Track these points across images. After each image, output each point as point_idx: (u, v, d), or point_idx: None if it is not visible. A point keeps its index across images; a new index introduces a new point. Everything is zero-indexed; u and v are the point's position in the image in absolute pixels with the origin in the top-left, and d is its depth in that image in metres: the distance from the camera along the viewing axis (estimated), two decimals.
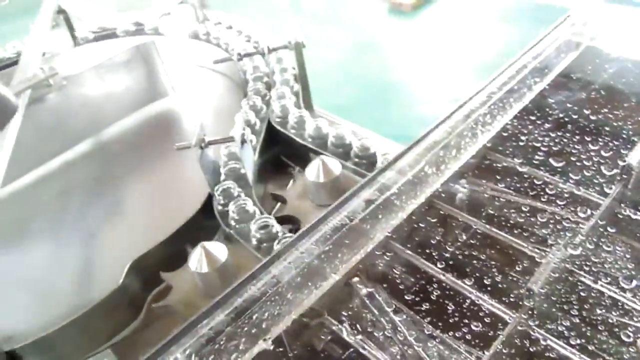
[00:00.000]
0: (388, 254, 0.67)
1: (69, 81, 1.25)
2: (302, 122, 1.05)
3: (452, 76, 3.36)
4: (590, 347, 0.59)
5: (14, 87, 1.16)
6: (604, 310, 0.60)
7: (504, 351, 0.56)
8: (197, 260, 0.81)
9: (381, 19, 4.19)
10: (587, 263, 0.62)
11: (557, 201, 0.70)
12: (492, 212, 0.72)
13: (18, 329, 0.89)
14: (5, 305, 0.96)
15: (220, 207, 0.92)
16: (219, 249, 0.82)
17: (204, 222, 0.96)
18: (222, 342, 0.52)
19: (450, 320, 0.64)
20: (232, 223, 0.87)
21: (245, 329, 0.53)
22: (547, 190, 0.71)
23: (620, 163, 0.68)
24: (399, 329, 0.61)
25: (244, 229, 0.86)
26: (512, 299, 0.63)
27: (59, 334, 0.86)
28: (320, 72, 3.44)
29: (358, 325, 0.61)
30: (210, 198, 0.97)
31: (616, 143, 0.76)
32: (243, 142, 0.96)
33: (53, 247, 1.07)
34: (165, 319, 0.89)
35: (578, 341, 0.59)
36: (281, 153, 1.12)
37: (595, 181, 0.71)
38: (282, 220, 0.91)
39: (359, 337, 0.60)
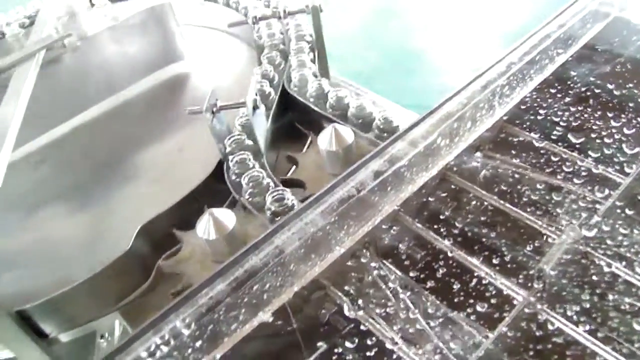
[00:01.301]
0: (397, 227, 0.65)
1: (83, 43, 1.24)
2: (319, 90, 1.03)
3: (476, 45, 3.28)
4: (602, 331, 0.57)
5: (27, 48, 1.15)
6: (617, 295, 0.58)
7: (510, 333, 0.54)
8: (205, 226, 0.80)
9: None
10: (602, 245, 0.60)
11: (575, 179, 0.67)
12: (506, 187, 0.70)
13: (28, 289, 0.90)
14: (16, 266, 0.96)
15: (234, 178, 0.91)
16: (227, 216, 0.82)
17: (215, 188, 0.95)
18: (221, 312, 0.52)
19: (459, 298, 0.63)
20: (247, 196, 0.86)
21: (246, 299, 0.52)
22: (564, 167, 0.68)
23: None
24: (405, 304, 0.60)
25: (257, 200, 0.85)
26: (523, 279, 0.61)
27: (68, 295, 0.86)
28: (340, 38, 3.40)
29: (363, 299, 0.60)
30: (221, 164, 0.96)
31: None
32: (255, 107, 0.95)
33: (66, 209, 1.07)
34: (174, 283, 0.89)
35: (588, 326, 0.57)
36: (295, 120, 1.10)
37: (616, 160, 0.68)
38: (290, 183, 0.90)
39: (363, 311, 0.59)
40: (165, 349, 0.50)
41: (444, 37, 3.44)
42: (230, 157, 0.92)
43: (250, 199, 0.86)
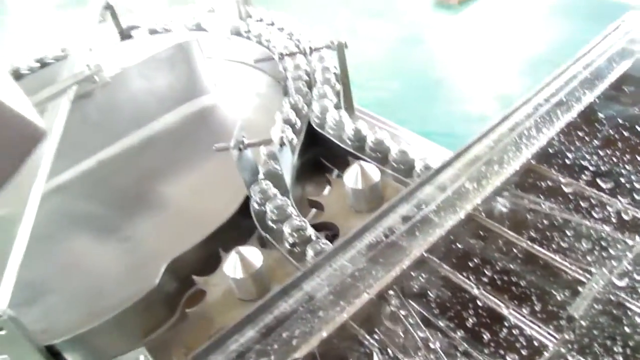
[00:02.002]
0: (425, 270, 0.65)
1: (113, 78, 1.27)
2: (341, 124, 1.04)
3: (498, 73, 3.28)
4: None
5: (60, 83, 1.18)
6: None
7: None
8: (233, 265, 0.81)
9: (427, 13, 4.12)
10: (633, 293, 0.59)
11: (604, 223, 0.66)
12: (534, 230, 0.69)
13: (56, 323, 0.91)
14: (44, 300, 0.98)
15: (256, 207, 0.92)
16: (254, 254, 0.82)
17: (241, 224, 0.96)
18: (251, 359, 0.52)
19: (487, 341, 0.62)
20: (269, 223, 0.87)
21: (276, 346, 0.52)
22: (594, 211, 0.68)
23: None
24: (433, 347, 0.60)
25: (278, 232, 0.86)
26: (551, 326, 0.60)
27: (97, 330, 0.87)
28: (365, 65, 3.43)
29: (392, 346, 0.59)
30: (247, 200, 0.97)
31: None
32: (282, 144, 0.96)
33: (93, 242, 1.09)
34: (199, 320, 0.90)
35: None
36: (320, 155, 1.11)
37: None
38: (319, 227, 0.90)
39: (393, 355, 0.59)
40: None
41: (467, 64, 3.45)
42: (254, 185, 0.93)
43: (273, 227, 0.86)
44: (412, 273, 0.61)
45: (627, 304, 0.60)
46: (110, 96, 1.29)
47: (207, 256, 0.93)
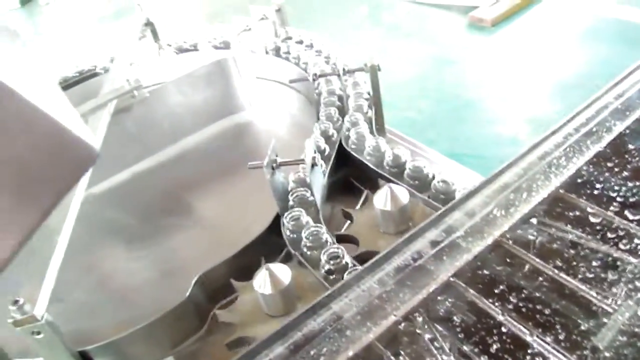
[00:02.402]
0: (451, 294, 0.66)
1: (151, 93, 1.31)
2: (376, 148, 1.05)
3: (530, 95, 3.27)
4: None
5: (101, 97, 1.22)
6: None
7: None
8: (262, 281, 0.83)
9: (460, 34, 4.13)
10: None
11: (631, 255, 0.67)
12: (561, 259, 0.70)
13: (91, 331, 0.94)
14: (79, 308, 1.01)
15: (289, 235, 0.94)
16: (283, 271, 0.84)
17: (271, 240, 0.98)
18: None
19: None
20: (305, 250, 0.89)
21: None
22: (621, 242, 0.68)
23: None
24: None
25: (313, 257, 0.88)
26: (576, 353, 0.61)
27: (127, 339, 0.90)
28: (396, 85, 3.46)
29: None
30: (278, 217, 0.99)
31: None
32: (313, 165, 0.98)
33: (126, 253, 1.12)
34: (228, 332, 0.92)
35: None
36: (351, 176, 1.13)
37: None
38: (344, 239, 0.92)
39: None
40: None
41: (499, 86, 3.44)
42: (286, 213, 0.95)
43: (308, 253, 0.88)
44: (438, 297, 0.62)
45: None
46: (148, 111, 1.33)
47: (237, 271, 0.96)
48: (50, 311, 0.78)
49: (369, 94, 1.23)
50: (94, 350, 0.90)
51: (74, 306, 1.02)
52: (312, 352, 0.55)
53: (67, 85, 1.61)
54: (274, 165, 0.97)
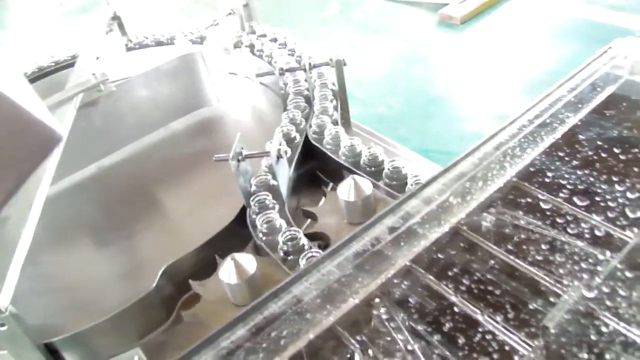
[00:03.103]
0: (409, 279, 0.68)
1: (118, 87, 1.31)
2: (337, 139, 1.08)
3: (498, 92, 3.32)
4: None
5: (67, 91, 1.22)
6: (619, 354, 0.60)
7: None
8: (227, 271, 0.84)
9: (430, 31, 4.17)
10: (603, 305, 0.63)
11: (579, 240, 0.70)
12: (514, 244, 0.73)
13: (54, 322, 0.94)
14: (45, 301, 1.01)
15: (253, 217, 0.95)
16: (248, 261, 0.86)
17: (238, 232, 1.00)
18: (241, 356, 0.55)
19: (466, 348, 0.66)
20: (260, 235, 0.91)
21: (264, 345, 0.56)
22: (569, 227, 0.71)
23: None
24: (412, 349, 0.63)
25: (273, 241, 0.90)
26: (526, 335, 0.64)
27: (94, 330, 0.90)
28: (366, 82, 3.48)
29: (374, 348, 0.63)
30: (244, 209, 1.00)
31: None
32: (279, 156, 0.99)
33: (92, 246, 1.12)
34: (193, 323, 0.93)
35: None
36: (317, 168, 1.14)
37: (619, 223, 0.71)
38: (312, 237, 0.94)
39: (373, 355, 0.62)
40: None
41: (467, 83, 3.49)
42: (252, 199, 0.97)
43: (264, 239, 0.90)
44: (395, 280, 0.64)
45: (598, 316, 0.63)
46: (115, 105, 1.33)
47: (204, 262, 0.97)
48: (14, 304, 0.78)
49: (334, 86, 1.25)
50: (60, 343, 0.90)
51: (39, 300, 1.02)
52: (272, 334, 0.57)
53: (41, 74, 1.60)
54: (240, 157, 0.98)
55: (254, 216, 0.95)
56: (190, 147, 1.34)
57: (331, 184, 1.12)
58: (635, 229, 0.68)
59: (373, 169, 1.00)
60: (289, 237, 0.87)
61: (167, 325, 0.96)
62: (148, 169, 1.30)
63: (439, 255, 0.70)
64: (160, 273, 0.93)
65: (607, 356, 0.60)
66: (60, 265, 1.09)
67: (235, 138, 0.98)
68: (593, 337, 0.62)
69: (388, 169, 0.97)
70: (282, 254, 0.87)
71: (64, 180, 1.28)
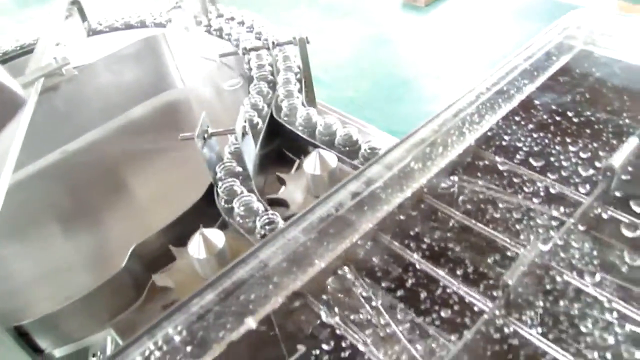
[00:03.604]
0: (371, 243, 0.70)
1: (80, 71, 1.30)
2: (307, 119, 1.09)
3: (462, 72, 3.37)
4: (554, 334, 0.63)
5: (27, 76, 1.20)
6: (575, 304, 0.63)
7: (475, 340, 0.59)
8: (196, 246, 0.85)
9: (395, 14, 4.20)
10: (562, 260, 0.66)
11: (536, 199, 0.73)
12: (474, 207, 0.75)
13: (24, 305, 0.94)
14: (14, 285, 1.00)
15: (223, 204, 0.96)
16: (217, 236, 0.87)
17: (206, 210, 1.00)
18: (210, 320, 0.56)
19: (429, 307, 0.68)
20: (238, 219, 0.91)
21: (233, 308, 0.57)
22: (527, 188, 0.74)
23: (602, 165, 0.71)
24: (375, 305, 0.65)
25: (247, 222, 0.90)
26: (488, 290, 0.66)
27: (64, 312, 0.90)
28: (333, 66, 3.49)
29: (339, 308, 0.65)
30: (211, 187, 1.01)
31: (598, 146, 0.79)
32: (244, 134, 1.00)
33: (61, 231, 1.11)
34: (166, 299, 0.94)
35: (549, 331, 0.62)
36: (284, 146, 1.16)
37: (572, 181, 0.74)
38: (275, 202, 0.95)
39: (339, 317, 0.64)
40: (158, 353, 0.54)
41: (433, 64, 3.53)
42: (220, 184, 0.97)
43: (241, 222, 0.91)
44: (359, 242, 0.66)
45: (555, 271, 0.66)
46: (77, 89, 1.31)
47: (173, 240, 0.98)
48: None
49: (298, 67, 1.26)
50: (30, 325, 0.90)
51: (7, 284, 1.01)
52: (241, 298, 0.58)
53: (6, 59, 1.58)
54: (205, 135, 0.99)
55: (224, 202, 0.96)
56: (156, 130, 1.34)
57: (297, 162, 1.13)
58: (587, 186, 0.71)
59: (347, 148, 1.02)
60: (267, 221, 0.88)
61: (138, 304, 0.97)
62: (113, 153, 1.30)
63: (401, 218, 0.72)
64: (129, 253, 0.94)
65: (563, 307, 0.63)
66: (26, 250, 1.08)
67: (201, 117, 0.98)
68: (549, 290, 0.65)
69: (365, 149, 0.98)
70: (260, 237, 0.88)
71: (29, 166, 1.27)
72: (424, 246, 0.71)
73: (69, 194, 1.21)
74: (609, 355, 0.63)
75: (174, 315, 0.56)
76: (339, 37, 3.90)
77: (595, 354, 0.62)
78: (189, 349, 0.54)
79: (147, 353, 0.54)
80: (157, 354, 0.54)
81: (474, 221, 0.71)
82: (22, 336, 0.90)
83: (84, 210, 1.14)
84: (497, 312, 0.63)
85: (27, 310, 0.91)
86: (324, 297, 0.64)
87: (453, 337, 0.64)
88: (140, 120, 1.37)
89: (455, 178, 0.77)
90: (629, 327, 0.62)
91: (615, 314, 0.64)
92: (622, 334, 0.63)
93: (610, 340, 0.63)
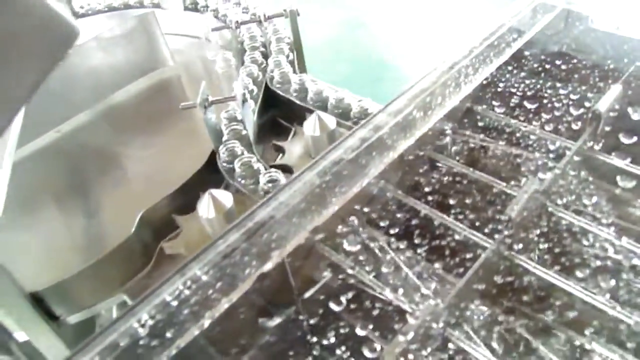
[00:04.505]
0: (380, 194, 0.75)
1: (73, 50, 1.30)
2: (301, 85, 1.12)
3: (439, 51, 3.41)
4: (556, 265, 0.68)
5: None
6: (570, 238, 0.69)
7: (480, 274, 0.64)
8: (206, 206, 0.88)
9: None
10: (555, 196, 0.71)
11: (532, 145, 0.78)
12: (474, 155, 0.80)
13: (41, 275, 0.96)
14: (29, 255, 1.02)
15: (225, 165, 0.99)
16: (225, 196, 0.90)
17: (209, 176, 1.03)
18: (236, 258, 0.60)
19: (435, 248, 0.72)
20: (239, 179, 0.94)
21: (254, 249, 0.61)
22: (523, 136, 0.79)
23: (589, 112, 0.76)
24: (387, 255, 0.69)
25: (249, 183, 0.94)
26: (490, 230, 0.71)
27: (77, 278, 0.93)
28: (311, 50, 3.49)
29: (352, 255, 0.69)
30: (213, 154, 1.04)
31: (584, 97, 0.84)
32: (244, 101, 1.03)
33: (69, 206, 1.12)
34: (175, 265, 0.97)
35: (550, 263, 0.67)
36: (278, 115, 1.18)
37: (565, 119, 0.79)
38: (279, 169, 0.99)
39: (351, 261, 0.68)
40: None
41: (409, 44, 3.57)
42: (222, 147, 1.00)
43: (242, 182, 0.94)
44: (363, 191, 0.70)
45: (552, 208, 0.71)
46: (71, 69, 1.32)
47: (179, 207, 1.01)
48: None
49: (289, 38, 1.28)
50: (45, 292, 0.92)
51: (23, 254, 1.03)
52: (264, 237, 0.61)
53: None
54: (206, 104, 1.01)
55: (225, 164, 0.98)
56: (150, 107, 1.35)
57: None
58: (579, 123, 0.76)
59: (340, 110, 1.05)
60: (270, 178, 0.91)
61: (148, 269, 0.99)
62: (110, 131, 1.31)
63: (406, 171, 0.77)
64: (138, 218, 0.96)
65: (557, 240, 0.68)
66: (38, 223, 1.10)
67: (200, 86, 1.00)
68: (544, 225, 0.70)
69: (356, 109, 1.02)
70: (263, 194, 0.91)
71: (26, 146, 1.27)
72: (426, 194, 0.75)
73: (69, 173, 1.22)
74: (606, 283, 0.67)
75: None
76: (315, 21, 3.92)
77: (594, 282, 0.67)
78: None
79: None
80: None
81: (471, 169, 0.76)
82: (38, 303, 0.92)
83: (89, 185, 1.16)
84: (499, 247, 0.68)
85: (42, 278, 0.93)
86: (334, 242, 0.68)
87: (458, 274, 0.69)
88: (134, 98, 1.38)
89: (449, 130, 0.82)
90: (623, 255, 0.67)
91: (608, 245, 0.69)
92: (616, 261, 0.68)
93: (608, 268, 0.68)
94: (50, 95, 1.30)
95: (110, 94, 1.39)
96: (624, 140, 0.76)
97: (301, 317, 0.70)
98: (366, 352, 0.64)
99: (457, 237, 0.72)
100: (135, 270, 0.99)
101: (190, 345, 0.58)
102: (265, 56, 1.25)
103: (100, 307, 0.99)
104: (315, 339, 0.68)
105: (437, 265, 0.71)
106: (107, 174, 1.17)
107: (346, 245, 0.71)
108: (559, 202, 0.73)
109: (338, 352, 0.66)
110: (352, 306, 0.68)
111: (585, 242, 0.70)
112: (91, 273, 0.94)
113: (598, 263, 0.69)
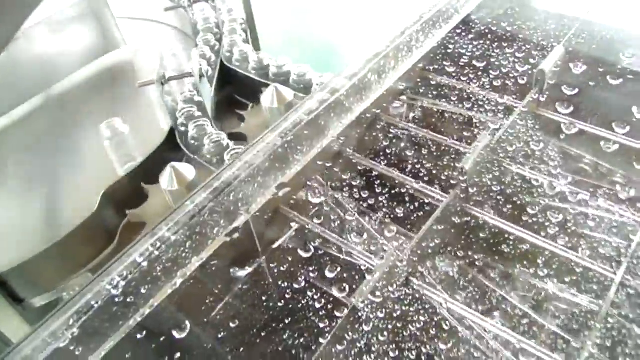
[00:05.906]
0: (335, 152, 0.77)
1: (19, 35, 1.28)
2: (260, 62, 1.13)
3: (384, 33, 3.45)
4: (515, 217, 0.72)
5: None
6: (519, 188, 0.73)
7: (438, 226, 0.67)
8: (168, 179, 0.89)
9: None
10: (506, 150, 0.75)
11: (482, 107, 0.82)
12: (425, 117, 0.83)
13: (3, 256, 0.94)
14: None
15: (182, 129, 0.99)
16: (187, 169, 0.90)
17: (167, 156, 1.03)
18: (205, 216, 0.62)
19: (394, 206, 0.76)
20: (191, 141, 0.95)
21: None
22: (472, 98, 0.83)
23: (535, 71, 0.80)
24: (344, 207, 0.72)
25: (200, 147, 0.95)
26: (445, 184, 0.74)
27: (40, 258, 0.92)
28: (261, 36, 3.49)
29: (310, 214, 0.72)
30: (172, 131, 1.04)
31: (529, 55, 0.89)
32: (201, 75, 1.04)
33: (29, 188, 1.10)
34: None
35: (502, 213, 0.71)
36: (235, 93, 1.19)
37: (513, 88, 0.83)
38: (235, 136, 1.01)
39: (313, 219, 0.71)
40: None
41: (360, 29, 3.60)
42: (191, 124, 1.01)
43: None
44: (320, 157, 0.73)
45: (502, 161, 0.75)
46: (18, 54, 1.29)
47: (139, 185, 1.01)
48: None
49: (243, 19, 1.29)
50: (7, 274, 0.91)
51: None
52: (231, 197, 0.63)
53: None
54: (164, 80, 1.02)
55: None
56: (104, 90, 1.34)
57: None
58: (526, 78, 0.80)
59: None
60: (214, 139, 0.92)
61: (113, 247, 0.99)
62: (63, 116, 1.29)
63: (364, 135, 0.79)
64: (100, 197, 0.96)
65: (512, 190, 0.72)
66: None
67: (158, 62, 1.01)
68: (497, 176, 0.74)
69: (295, 75, 1.04)
70: (208, 156, 0.93)
71: None
72: (388, 156, 0.78)
73: (28, 157, 1.20)
74: (554, 226, 0.72)
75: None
76: (262, 8, 3.91)
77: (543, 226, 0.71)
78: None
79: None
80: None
81: (428, 132, 0.79)
82: (1, 286, 0.91)
83: (47, 169, 1.14)
84: (455, 198, 0.71)
85: (4, 260, 0.92)
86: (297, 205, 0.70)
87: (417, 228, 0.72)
88: (86, 82, 1.36)
89: (408, 92, 0.85)
90: (571, 202, 0.72)
91: (555, 192, 0.73)
92: (563, 204, 0.72)
93: (556, 213, 0.72)
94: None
95: (62, 78, 1.36)
96: (567, 92, 0.80)
97: (272, 265, 0.72)
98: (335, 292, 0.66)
99: (414, 193, 0.75)
100: (99, 249, 0.99)
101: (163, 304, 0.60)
102: (219, 36, 1.26)
103: (65, 287, 0.98)
104: (286, 284, 0.70)
105: (396, 220, 0.74)
106: (66, 157, 1.15)
107: (310, 198, 0.73)
108: (506, 154, 0.77)
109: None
110: (319, 253, 0.70)
111: (534, 191, 0.74)
112: (54, 253, 0.93)
113: (547, 208, 0.73)
